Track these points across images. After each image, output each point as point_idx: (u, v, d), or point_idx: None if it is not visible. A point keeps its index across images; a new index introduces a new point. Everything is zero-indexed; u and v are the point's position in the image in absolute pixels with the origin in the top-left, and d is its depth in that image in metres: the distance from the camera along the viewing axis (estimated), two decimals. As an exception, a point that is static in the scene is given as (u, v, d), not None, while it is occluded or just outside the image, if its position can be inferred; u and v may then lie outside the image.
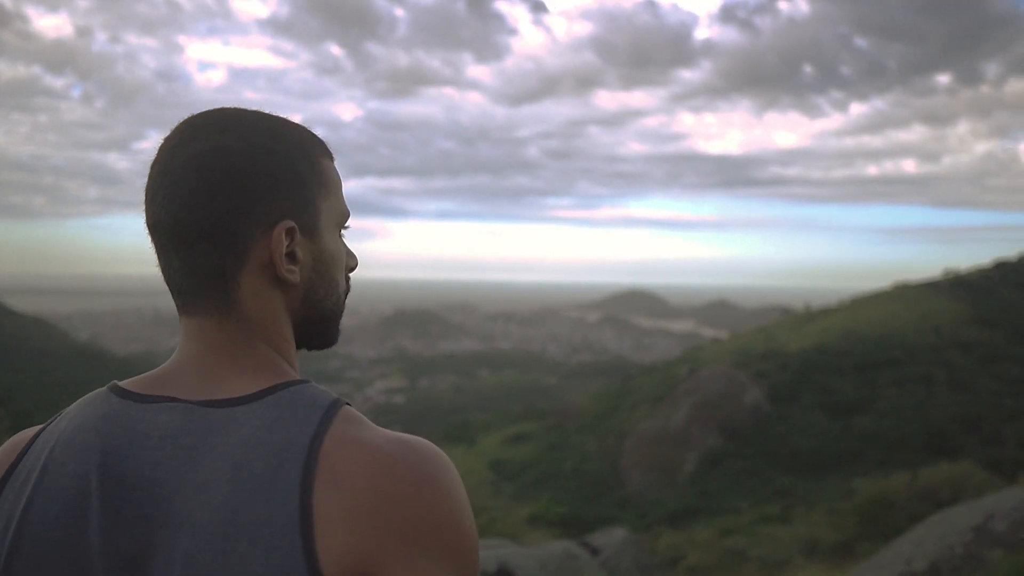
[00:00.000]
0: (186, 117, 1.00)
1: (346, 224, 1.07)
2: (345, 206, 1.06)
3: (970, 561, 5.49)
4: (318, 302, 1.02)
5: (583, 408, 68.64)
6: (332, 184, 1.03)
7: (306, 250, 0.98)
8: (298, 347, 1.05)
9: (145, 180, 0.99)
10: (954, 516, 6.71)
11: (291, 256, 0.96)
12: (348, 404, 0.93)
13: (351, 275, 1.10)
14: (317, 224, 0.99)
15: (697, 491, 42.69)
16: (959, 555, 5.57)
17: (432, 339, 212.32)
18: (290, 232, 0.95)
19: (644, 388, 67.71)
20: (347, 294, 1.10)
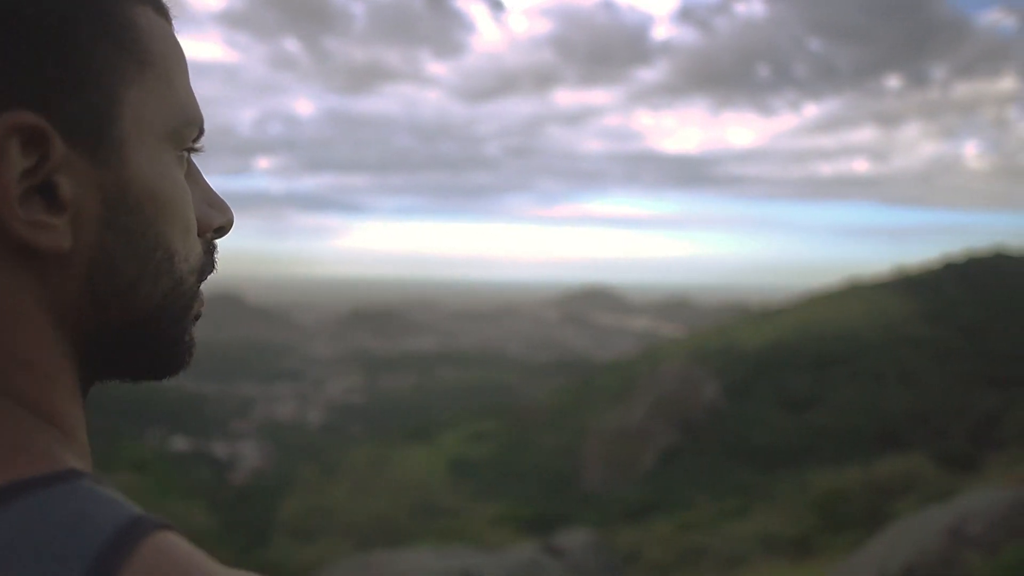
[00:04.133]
0: None
1: (194, 140, 0.55)
2: (190, 106, 0.54)
3: (946, 564, 5.53)
4: (124, 291, 0.49)
5: (543, 406, 68.85)
6: (155, 57, 0.50)
7: (87, 183, 0.46)
8: (101, 377, 0.54)
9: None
10: (928, 517, 6.75)
11: (47, 193, 0.45)
12: (165, 527, 0.43)
13: (219, 242, 0.59)
14: (112, 128, 0.47)
15: (656, 487, 43.11)
16: (934, 558, 5.62)
17: (392, 337, 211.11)
18: (35, 139, 0.44)
19: (604, 385, 68.14)
20: (206, 274, 0.57)
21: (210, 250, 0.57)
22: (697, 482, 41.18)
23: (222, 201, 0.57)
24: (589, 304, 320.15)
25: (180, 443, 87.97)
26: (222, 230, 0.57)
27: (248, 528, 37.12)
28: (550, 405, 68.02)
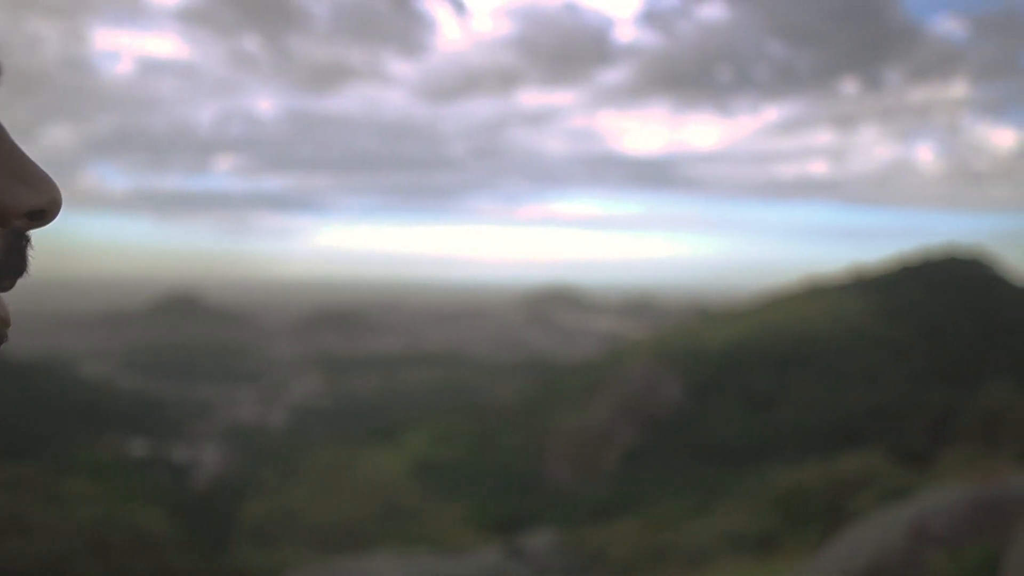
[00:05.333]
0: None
1: None
2: None
3: (909, 563, 5.58)
4: None
5: (508, 406, 68.81)
6: None
7: None
8: None
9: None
10: (890, 516, 6.78)
11: None
12: None
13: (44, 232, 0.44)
14: None
15: (621, 485, 43.33)
16: (898, 557, 5.65)
17: (355, 338, 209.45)
18: None
19: (568, 386, 68.30)
20: (10, 278, 0.43)
21: (19, 244, 0.38)
22: (661, 480, 41.47)
23: (41, 174, 0.38)
24: (553, 305, 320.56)
25: (138, 447, 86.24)
26: (41, 216, 0.38)
27: (209, 533, 36.46)
28: (515, 406, 67.94)
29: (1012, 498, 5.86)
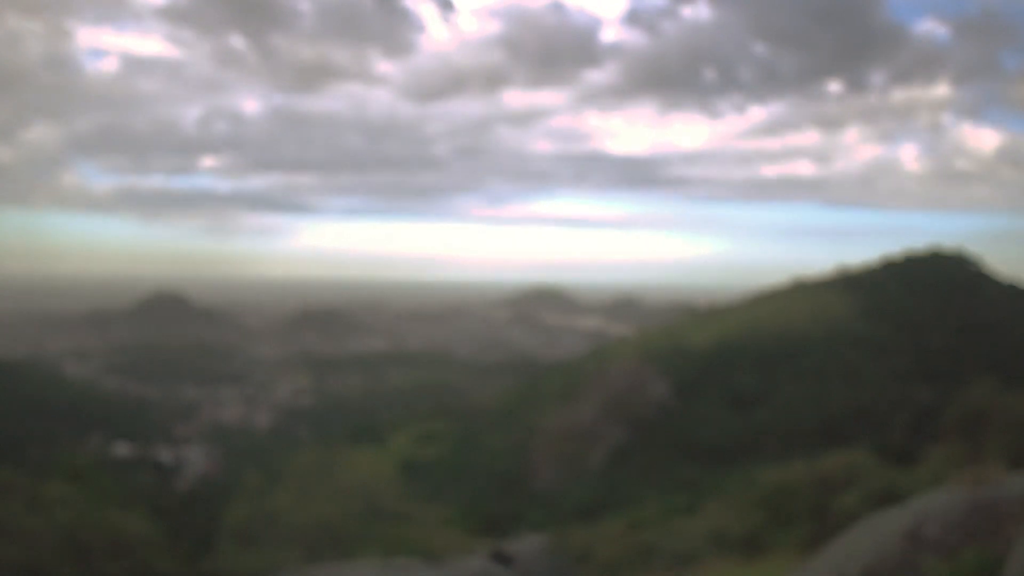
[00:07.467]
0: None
1: None
2: None
3: (904, 568, 5.50)
4: None
5: (493, 406, 68.69)
6: None
7: None
8: None
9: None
10: (884, 520, 6.69)
11: None
12: None
13: None
14: None
15: (606, 484, 43.30)
16: (892, 562, 5.57)
17: (340, 338, 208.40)
18: None
19: (553, 385, 68.25)
20: None
21: None
22: (647, 480, 41.48)
23: None
24: (538, 304, 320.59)
25: (122, 449, 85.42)
26: None
27: (192, 535, 36.10)
28: (500, 405, 67.85)
29: (1008, 500, 5.80)
